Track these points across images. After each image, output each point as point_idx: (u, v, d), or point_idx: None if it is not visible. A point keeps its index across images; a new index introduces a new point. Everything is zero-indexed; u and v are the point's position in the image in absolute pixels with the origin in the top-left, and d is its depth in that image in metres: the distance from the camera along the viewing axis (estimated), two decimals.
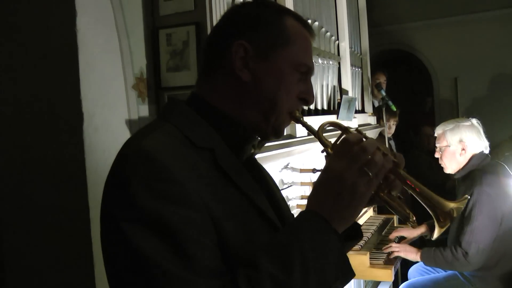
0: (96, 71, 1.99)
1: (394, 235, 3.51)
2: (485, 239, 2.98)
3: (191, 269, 0.89)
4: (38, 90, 2.04)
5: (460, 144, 3.23)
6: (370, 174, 0.99)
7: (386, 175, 1.07)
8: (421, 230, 3.52)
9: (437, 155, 3.37)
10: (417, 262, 3.46)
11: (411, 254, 3.20)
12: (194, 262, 0.89)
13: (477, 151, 3.23)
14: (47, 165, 2.02)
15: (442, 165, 3.37)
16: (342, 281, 0.99)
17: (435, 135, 3.41)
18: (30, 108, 2.07)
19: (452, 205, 1.11)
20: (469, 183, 3.15)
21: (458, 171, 3.29)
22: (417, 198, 1.13)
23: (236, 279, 0.91)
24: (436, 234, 1.15)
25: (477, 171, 3.17)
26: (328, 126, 1.23)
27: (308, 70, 1.18)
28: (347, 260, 1.00)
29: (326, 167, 1.05)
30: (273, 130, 1.17)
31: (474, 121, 3.31)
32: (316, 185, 1.05)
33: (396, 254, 3.18)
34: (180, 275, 0.88)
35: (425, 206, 1.12)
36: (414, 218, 1.17)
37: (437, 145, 3.36)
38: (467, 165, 3.24)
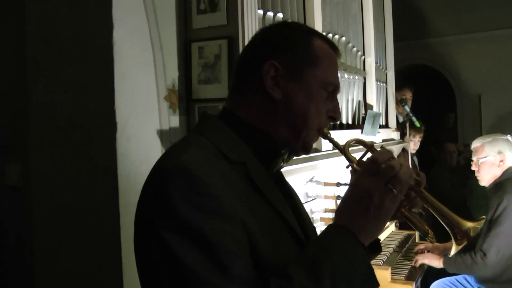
0: (130, 82, 2.04)
1: (418, 248, 3.60)
2: (507, 245, 3.03)
3: (227, 278, 0.93)
4: (74, 99, 2.10)
5: (499, 156, 3.30)
6: (395, 190, 1.03)
7: (407, 192, 1.12)
8: (441, 249, 3.53)
9: (473, 167, 3.44)
10: (438, 278, 3.48)
11: (434, 260, 3.32)
12: (229, 271, 0.93)
13: None
14: (80, 172, 2.07)
15: (478, 178, 3.44)
16: None
17: (472, 148, 3.49)
18: (65, 116, 2.13)
19: (469, 224, 1.15)
20: (501, 193, 3.21)
21: (491, 183, 3.34)
22: (436, 216, 1.17)
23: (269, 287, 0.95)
24: (453, 251, 1.20)
25: (509, 181, 3.24)
26: (354, 143, 1.27)
27: (335, 89, 1.24)
28: (372, 271, 1.05)
29: (354, 183, 1.09)
30: (303, 146, 1.22)
31: (509, 136, 3.41)
32: (345, 200, 1.09)
33: (420, 261, 3.32)
34: (216, 283, 0.92)
35: (443, 224, 1.17)
36: (433, 234, 1.21)
37: (473, 158, 3.44)
38: (501, 176, 3.31)
